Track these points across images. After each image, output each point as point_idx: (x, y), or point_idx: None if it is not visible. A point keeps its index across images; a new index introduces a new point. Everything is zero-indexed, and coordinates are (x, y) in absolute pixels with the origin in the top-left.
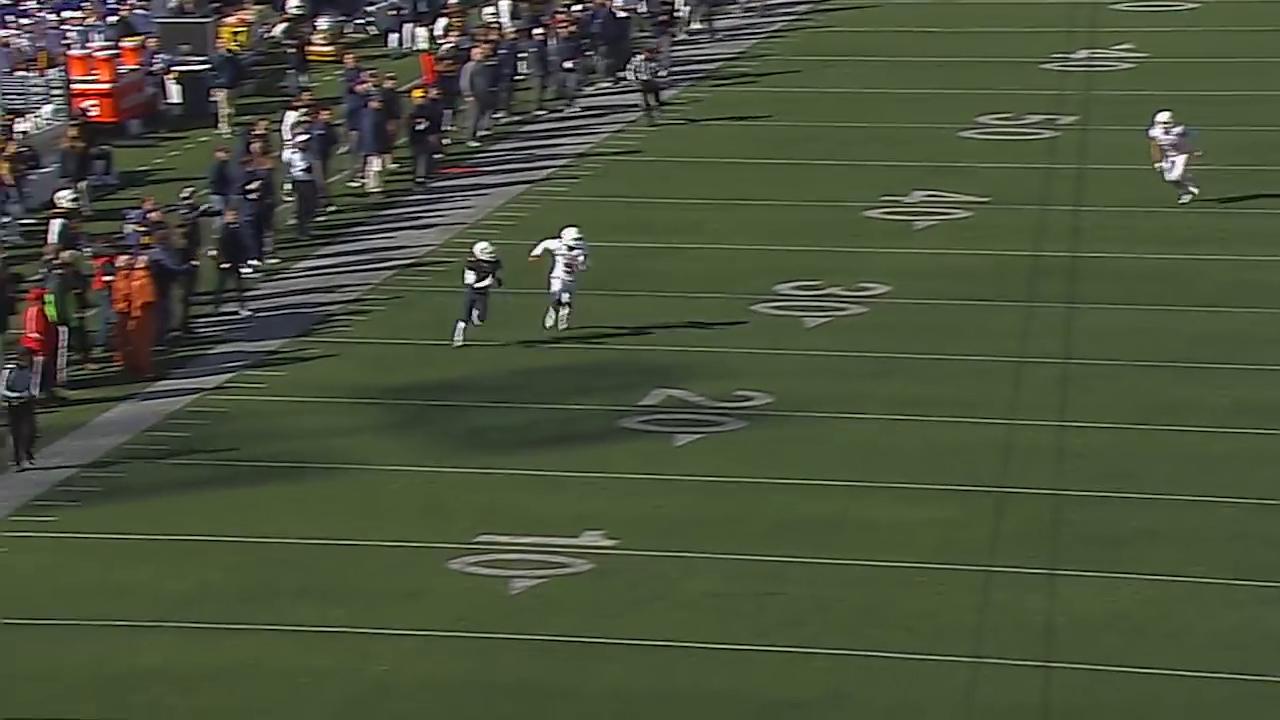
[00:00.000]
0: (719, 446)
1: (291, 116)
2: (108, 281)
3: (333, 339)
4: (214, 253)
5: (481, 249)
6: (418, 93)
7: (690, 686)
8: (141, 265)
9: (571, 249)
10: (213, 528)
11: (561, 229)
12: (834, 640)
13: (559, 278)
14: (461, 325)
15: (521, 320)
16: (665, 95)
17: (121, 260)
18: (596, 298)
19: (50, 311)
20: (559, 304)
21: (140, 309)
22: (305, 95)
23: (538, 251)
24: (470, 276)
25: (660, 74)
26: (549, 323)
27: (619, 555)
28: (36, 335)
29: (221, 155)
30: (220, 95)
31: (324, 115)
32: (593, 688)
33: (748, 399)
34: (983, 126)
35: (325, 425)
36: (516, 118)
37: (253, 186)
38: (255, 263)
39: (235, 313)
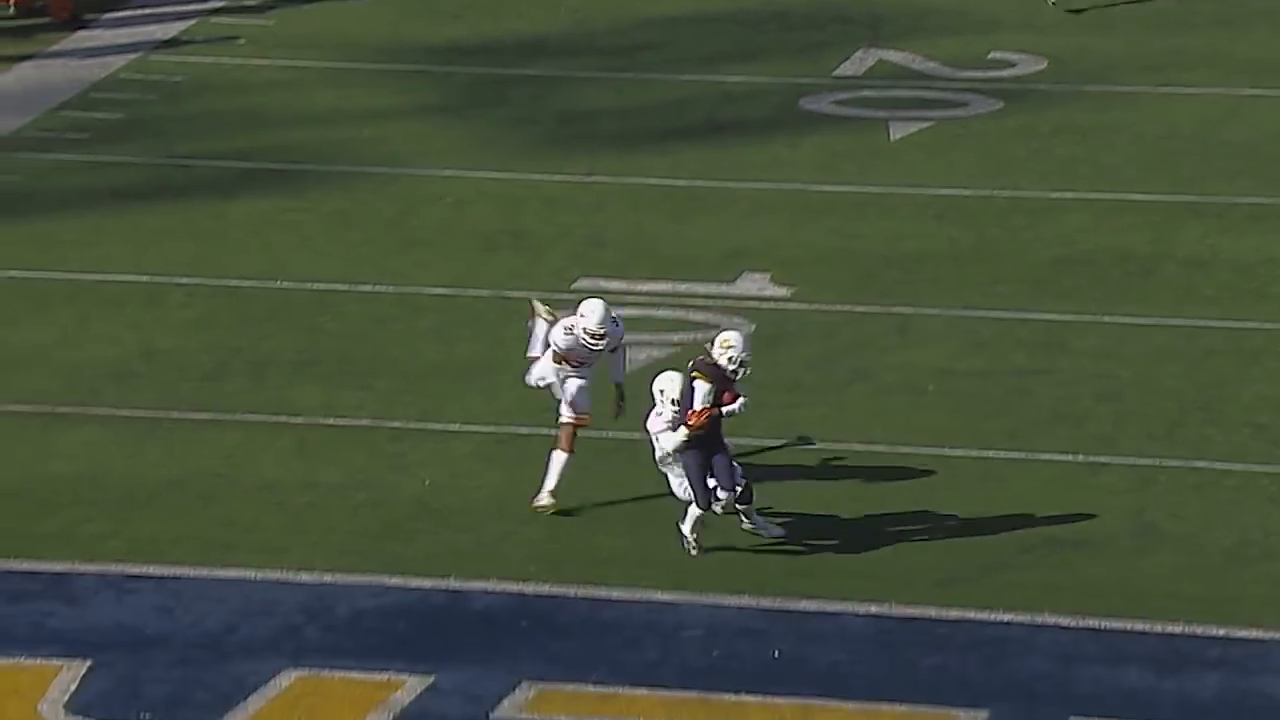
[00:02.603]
0: (959, 140)
1: None
2: None
3: None
4: None
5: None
6: None
7: (922, 512)
8: None
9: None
10: (161, 263)
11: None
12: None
13: None
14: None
15: None
16: None
17: None
18: None
19: None
20: None
21: None
22: None
23: None
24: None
25: None
26: None
27: (797, 311)
28: None
29: None
30: None
31: None
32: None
33: (1006, 64)
34: None
35: (338, 105)
36: None
37: None
38: None
39: None
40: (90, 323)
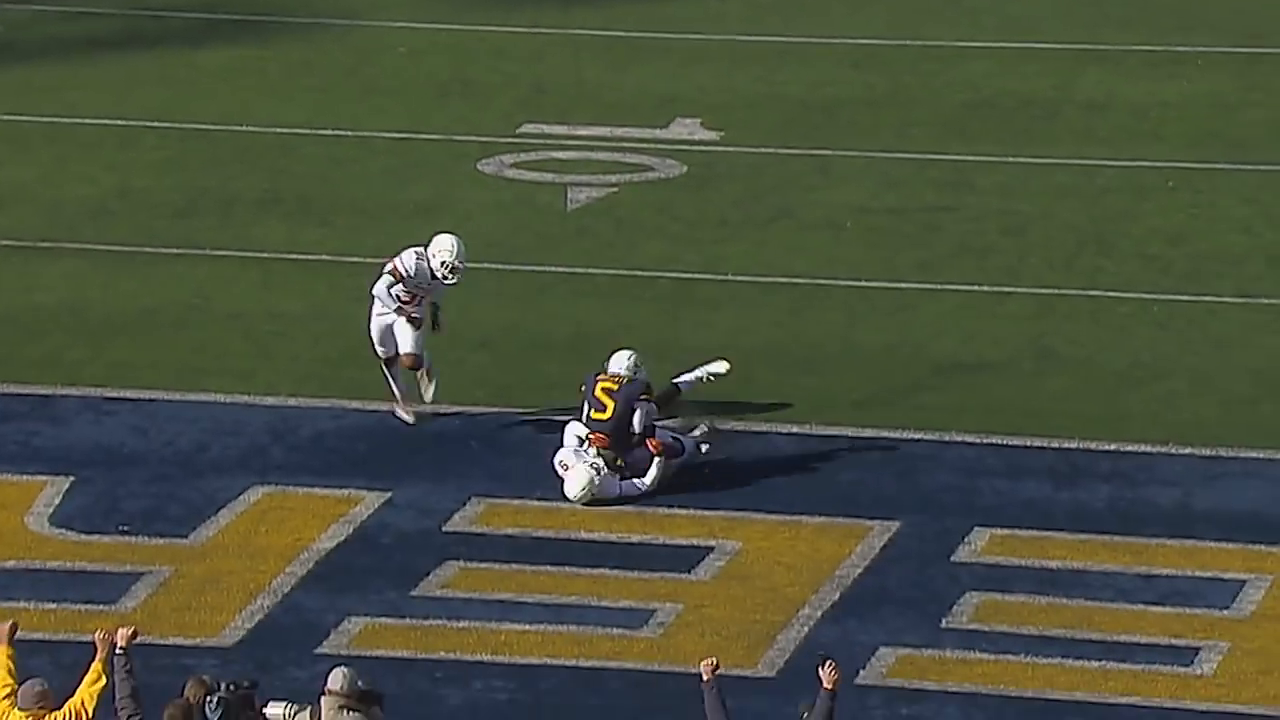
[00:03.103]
0: None
1: None
2: None
3: None
4: None
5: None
6: None
7: (840, 339)
8: None
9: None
10: (135, 108)
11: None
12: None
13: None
14: None
15: None
16: None
17: None
18: None
19: None
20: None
21: None
22: None
23: None
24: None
25: None
26: None
27: (725, 153)
28: None
29: None
30: None
31: None
32: (684, 342)
33: None
34: None
35: None
36: None
37: None
38: None
39: None
40: (69, 163)
